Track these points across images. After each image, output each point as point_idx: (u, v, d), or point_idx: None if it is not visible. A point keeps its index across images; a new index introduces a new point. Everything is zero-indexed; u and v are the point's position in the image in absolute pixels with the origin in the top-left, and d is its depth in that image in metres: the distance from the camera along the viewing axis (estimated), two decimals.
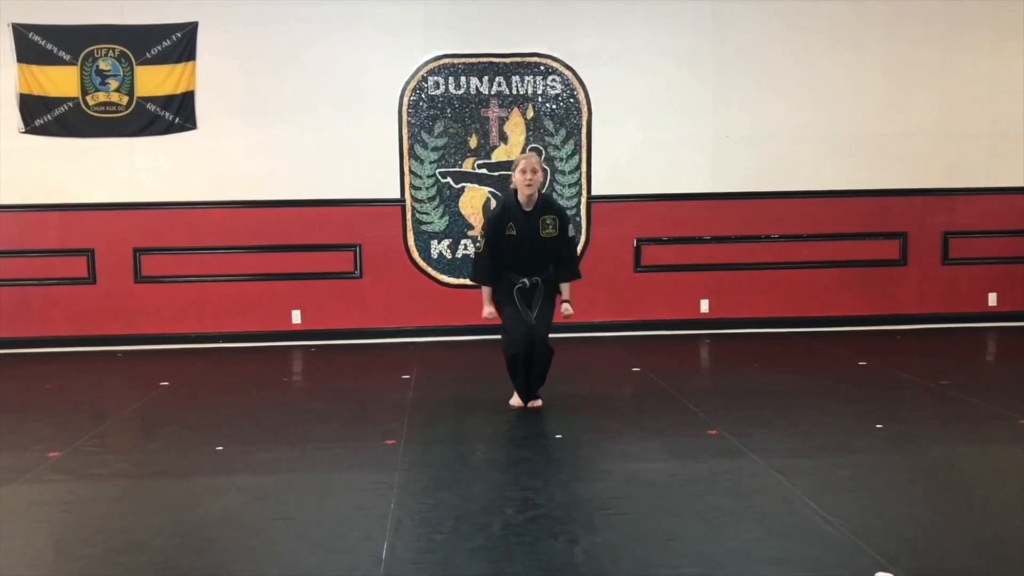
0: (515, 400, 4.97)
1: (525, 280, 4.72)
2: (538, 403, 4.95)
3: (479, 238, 4.94)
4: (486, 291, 4.81)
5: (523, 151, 7.30)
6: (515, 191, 4.74)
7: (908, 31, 7.45)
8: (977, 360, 6.58)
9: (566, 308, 4.88)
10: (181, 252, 7.29)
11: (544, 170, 4.76)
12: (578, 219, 7.43)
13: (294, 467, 3.94)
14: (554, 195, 7.34)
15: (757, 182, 7.50)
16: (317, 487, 3.66)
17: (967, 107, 7.53)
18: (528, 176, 4.60)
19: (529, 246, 4.69)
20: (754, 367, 6.12)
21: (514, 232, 4.68)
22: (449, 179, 7.33)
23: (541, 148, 7.34)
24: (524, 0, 7.25)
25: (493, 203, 5.01)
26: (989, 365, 6.54)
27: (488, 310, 4.80)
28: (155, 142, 7.20)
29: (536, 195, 4.69)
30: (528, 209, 4.70)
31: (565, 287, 4.89)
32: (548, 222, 4.70)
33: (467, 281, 7.37)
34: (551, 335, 4.82)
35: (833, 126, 7.48)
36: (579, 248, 7.38)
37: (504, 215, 4.72)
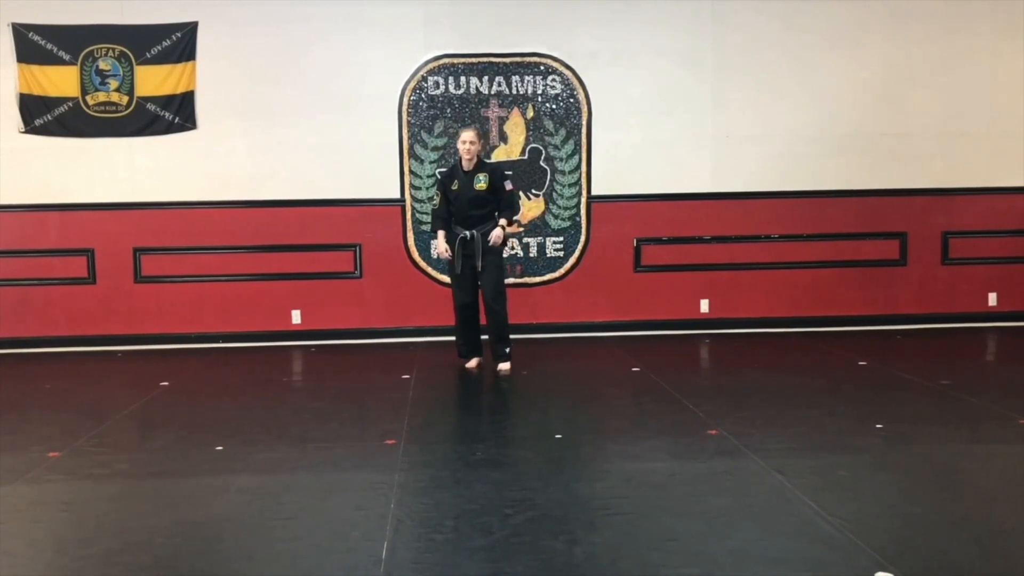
0: (469, 363, 6.06)
1: (467, 233, 5.80)
2: (506, 366, 5.88)
3: (435, 195, 6.27)
4: (440, 235, 5.93)
5: (523, 151, 7.33)
6: (460, 158, 5.89)
7: (908, 31, 7.45)
8: (977, 360, 6.58)
9: (495, 232, 5.78)
10: (181, 252, 7.29)
11: (481, 140, 5.94)
12: (578, 219, 7.44)
13: (294, 467, 3.95)
14: (554, 194, 7.38)
15: (757, 182, 7.50)
16: (317, 487, 3.66)
17: (967, 107, 7.53)
18: (467, 146, 5.77)
19: (467, 199, 5.80)
20: (754, 367, 6.13)
21: (456, 188, 5.83)
22: None
23: (541, 148, 7.35)
24: (524, 0, 7.26)
25: None
26: (989, 365, 6.54)
27: (442, 246, 5.90)
28: (155, 142, 7.20)
29: (474, 160, 5.82)
30: (467, 170, 5.82)
31: (502, 220, 5.85)
32: (480, 179, 5.79)
33: None
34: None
35: (833, 126, 7.47)
36: (579, 247, 7.44)
37: (451, 174, 5.96)
